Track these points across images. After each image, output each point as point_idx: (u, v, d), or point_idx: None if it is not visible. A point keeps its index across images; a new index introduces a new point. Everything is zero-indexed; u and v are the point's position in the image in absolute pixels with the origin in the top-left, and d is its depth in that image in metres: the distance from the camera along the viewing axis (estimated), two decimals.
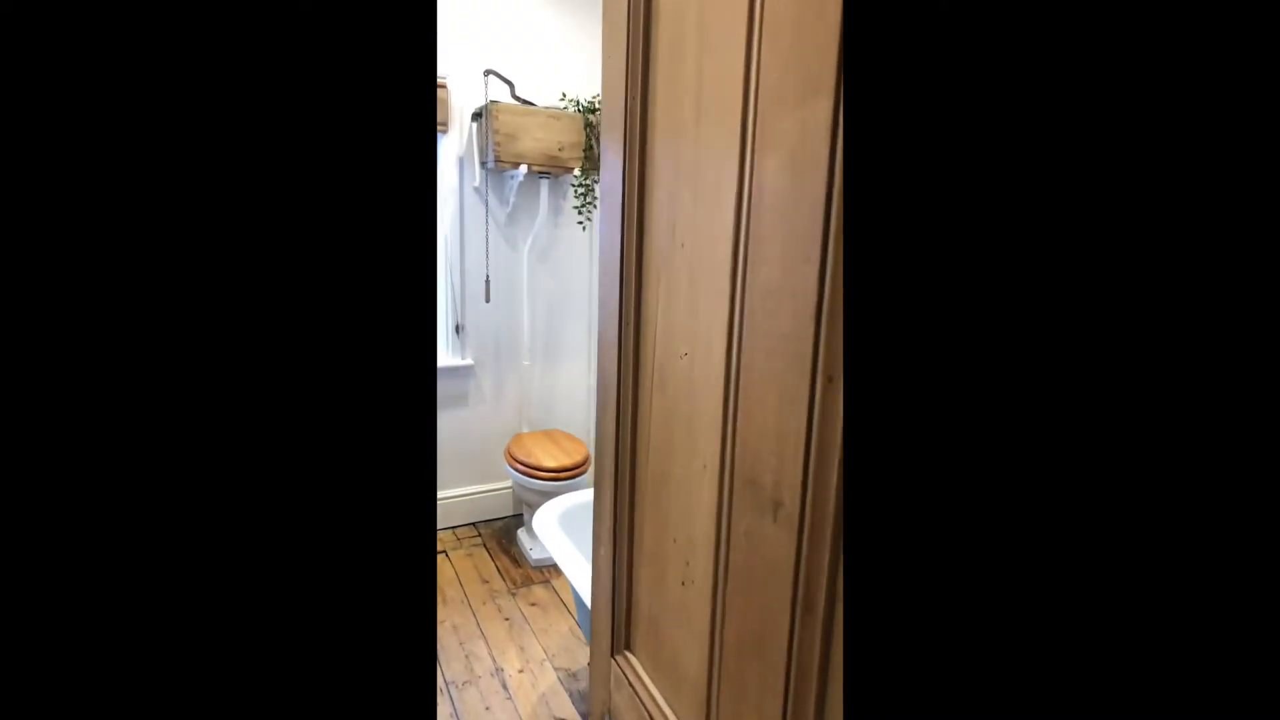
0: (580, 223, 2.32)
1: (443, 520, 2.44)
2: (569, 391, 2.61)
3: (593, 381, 2.71)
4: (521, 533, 2.38)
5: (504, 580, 2.13)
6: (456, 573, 2.16)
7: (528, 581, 2.13)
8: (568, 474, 2.13)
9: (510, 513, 2.57)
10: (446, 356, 2.34)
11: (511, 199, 2.28)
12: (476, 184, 2.26)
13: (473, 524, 2.49)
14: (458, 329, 2.33)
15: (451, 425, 2.39)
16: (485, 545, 2.35)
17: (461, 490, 2.46)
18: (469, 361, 2.36)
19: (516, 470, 2.16)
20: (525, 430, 2.51)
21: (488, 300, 2.33)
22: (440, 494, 2.43)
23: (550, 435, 2.39)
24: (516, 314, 2.42)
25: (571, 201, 2.40)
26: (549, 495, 2.15)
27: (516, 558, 2.27)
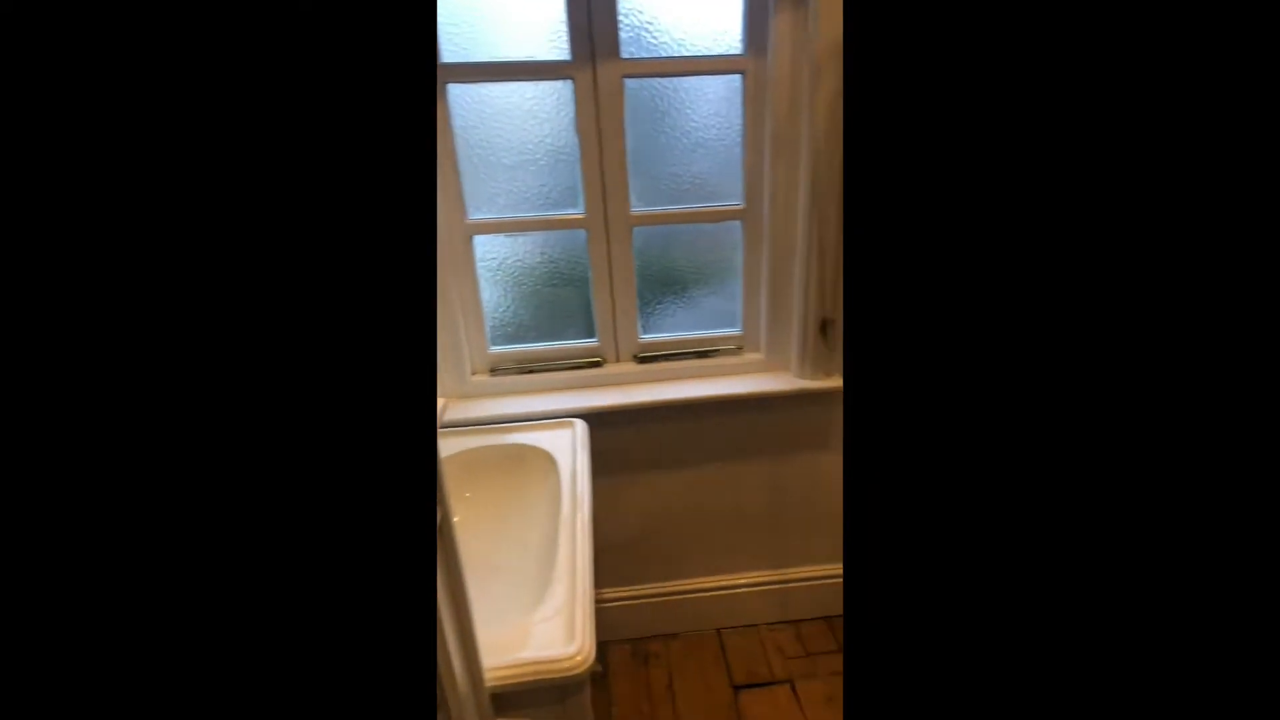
0: None
1: (778, 611, 1.58)
2: None
3: None
4: None
5: None
6: None
7: None
8: None
9: None
10: (794, 375, 1.34)
11: None
12: None
13: (826, 620, 1.59)
14: (824, 327, 1.28)
15: (798, 476, 1.44)
16: None
17: (810, 570, 1.55)
18: (838, 384, 1.32)
19: None
20: None
21: None
22: (776, 575, 1.55)
23: None
24: None
25: None
26: None
27: None
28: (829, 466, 1.44)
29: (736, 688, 1.43)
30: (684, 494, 1.44)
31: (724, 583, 1.54)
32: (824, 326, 1.28)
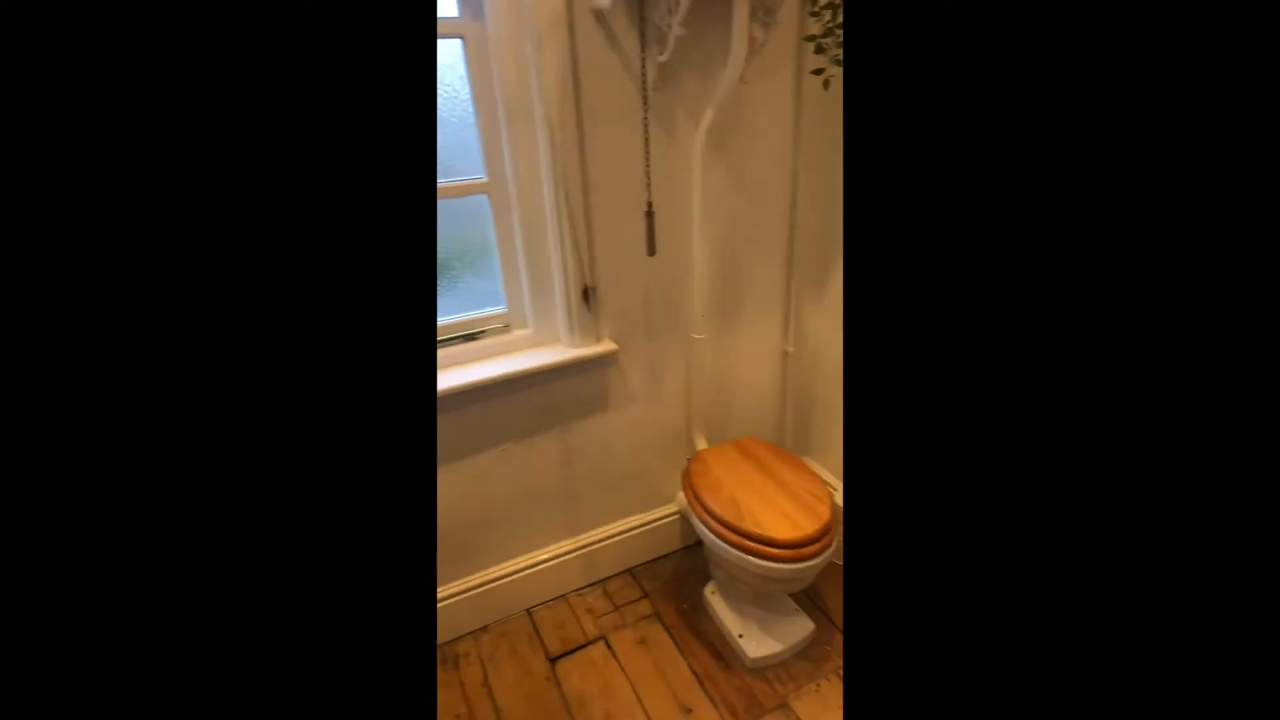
0: (822, 70, 1.16)
1: (587, 575, 1.62)
2: (756, 368, 1.62)
3: (789, 349, 1.60)
4: (711, 595, 1.56)
5: (715, 705, 1.34)
6: (634, 686, 1.38)
7: (755, 707, 1.34)
8: (814, 549, 1.23)
9: (679, 545, 1.74)
10: (566, 345, 1.36)
11: (671, 35, 1.12)
12: (605, 3, 1.08)
13: (629, 571, 1.68)
14: (586, 294, 1.31)
15: (584, 441, 1.48)
16: (660, 617, 1.54)
17: (609, 529, 1.62)
18: (608, 347, 1.37)
19: (722, 537, 1.27)
20: (704, 444, 1.58)
21: (652, 252, 1.26)
22: (577, 541, 1.59)
23: (748, 453, 1.46)
24: (681, 255, 1.37)
25: (799, 33, 1.21)
26: (783, 583, 1.28)
27: (718, 647, 1.47)
28: (610, 426, 1.50)
29: (553, 659, 1.45)
30: (472, 485, 1.39)
31: (527, 562, 1.53)
32: (586, 294, 1.31)
